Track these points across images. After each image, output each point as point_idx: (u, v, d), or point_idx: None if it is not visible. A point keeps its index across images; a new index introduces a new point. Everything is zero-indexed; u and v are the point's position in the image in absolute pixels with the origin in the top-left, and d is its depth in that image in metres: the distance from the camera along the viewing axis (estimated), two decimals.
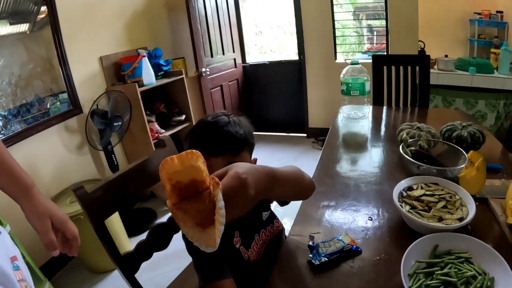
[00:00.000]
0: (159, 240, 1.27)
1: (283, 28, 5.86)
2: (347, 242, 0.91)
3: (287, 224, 2.33)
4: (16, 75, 2.57)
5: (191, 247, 0.98)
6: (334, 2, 3.81)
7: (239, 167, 0.61)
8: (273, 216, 1.08)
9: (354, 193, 1.21)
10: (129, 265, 1.18)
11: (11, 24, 2.58)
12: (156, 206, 3.21)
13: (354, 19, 4.24)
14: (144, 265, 1.22)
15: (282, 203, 1.10)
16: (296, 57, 4.29)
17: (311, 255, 0.90)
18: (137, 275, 1.19)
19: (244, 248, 0.98)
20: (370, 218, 1.05)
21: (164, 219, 1.26)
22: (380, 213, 1.06)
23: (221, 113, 1.02)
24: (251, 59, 4.79)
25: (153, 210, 3.17)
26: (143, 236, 1.25)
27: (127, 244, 2.71)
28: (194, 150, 0.55)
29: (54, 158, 2.75)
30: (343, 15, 4.11)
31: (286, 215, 2.78)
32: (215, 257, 0.92)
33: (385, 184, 1.23)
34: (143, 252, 1.23)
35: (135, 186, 1.24)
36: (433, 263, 0.78)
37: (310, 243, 0.95)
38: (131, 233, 2.84)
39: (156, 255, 1.26)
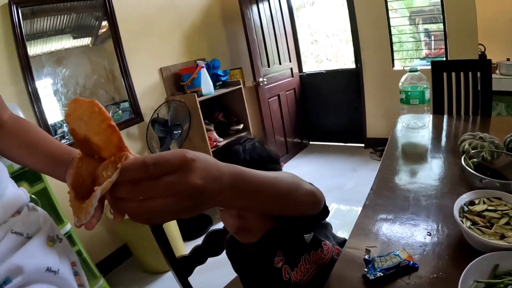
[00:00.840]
0: (214, 246, 1.32)
1: (339, 36, 5.80)
2: (403, 258, 0.89)
3: (339, 234, 2.29)
4: (81, 85, 2.79)
5: (235, 266, 1.02)
6: (389, 7, 3.71)
7: (193, 152, 0.46)
8: (318, 239, 1.05)
9: (413, 207, 1.18)
10: (184, 268, 1.23)
11: (74, 38, 2.79)
12: (212, 212, 3.26)
13: (410, 24, 4.07)
14: (197, 268, 1.28)
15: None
16: (352, 66, 4.24)
17: (366, 269, 0.89)
18: (189, 278, 1.24)
19: (289, 267, 0.96)
20: (429, 233, 1.01)
21: (220, 225, 1.29)
22: (440, 228, 1.03)
23: (236, 141, 0.99)
24: (307, 68, 4.78)
25: (209, 216, 3.25)
26: (198, 241, 1.30)
27: (182, 248, 2.81)
28: (95, 101, 0.44)
29: None
30: (399, 20, 3.98)
31: (342, 227, 2.75)
32: (254, 275, 0.95)
33: (446, 198, 1.19)
34: (198, 257, 1.28)
35: None
36: (492, 284, 0.74)
37: (366, 256, 0.94)
38: (186, 238, 2.94)
39: (210, 259, 1.31)
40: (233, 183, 0.51)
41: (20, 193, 0.73)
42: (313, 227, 1.03)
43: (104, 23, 2.93)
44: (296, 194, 0.71)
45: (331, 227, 1.15)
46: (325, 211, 0.90)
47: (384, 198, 1.28)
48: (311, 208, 0.79)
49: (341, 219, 2.94)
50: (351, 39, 4.13)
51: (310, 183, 0.83)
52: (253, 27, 3.70)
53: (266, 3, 3.96)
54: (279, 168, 1.03)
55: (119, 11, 2.95)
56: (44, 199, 2.21)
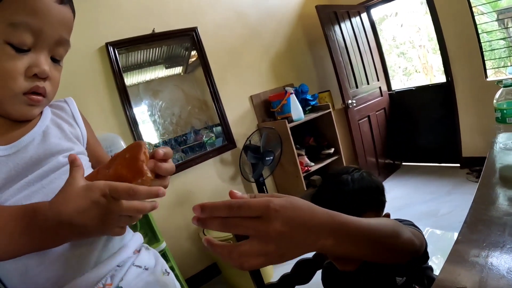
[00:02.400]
0: (302, 274, 1.31)
1: (426, 46, 5.57)
2: None
3: (433, 259, 2.14)
4: (176, 115, 2.97)
5: None
6: (475, 12, 3.40)
7: (283, 199, 0.53)
8: (410, 285, 1.01)
9: (509, 243, 1.08)
10: None
11: (166, 68, 3.01)
12: None
13: (500, 27, 3.66)
14: None
15: None
16: (442, 77, 3.99)
17: None
18: None
19: None
20: None
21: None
22: None
23: (344, 171, 1.00)
24: (396, 83, 4.61)
25: None
26: (286, 264, 1.31)
27: (270, 270, 2.83)
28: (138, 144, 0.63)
29: (210, 186, 3.10)
30: (487, 25, 3.63)
31: (436, 252, 2.58)
32: None
33: None
34: (285, 284, 1.29)
35: None
36: None
37: None
38: None
39: (297, 287, 1.32)
40: (335, 231, 0.55)
41: (139, 236, 0.90)
42: (408, 271, 1.00)
43: (193, 52, 3.11)
44: (396, 243, 0.71)
45: (432, 270, 1.11)
46: (425, 257, 0.88)
47: (478, 233, 1.18)
48: (408, 257, 0.77)
49: (435, 244, 2.77)
50: (438, 48, 3.89)
51: (413, 225, 0.84)
52: (338, 49, 3.67)
53: (347, 22, 3.91)
54: (384, 200, 1.03)
55: (206, 44, 3.12)
56: (142, 219, 2.41)
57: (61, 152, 0.76)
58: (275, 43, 3.67)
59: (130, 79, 2.80)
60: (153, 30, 2.85)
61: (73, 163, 0.61)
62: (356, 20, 4.02)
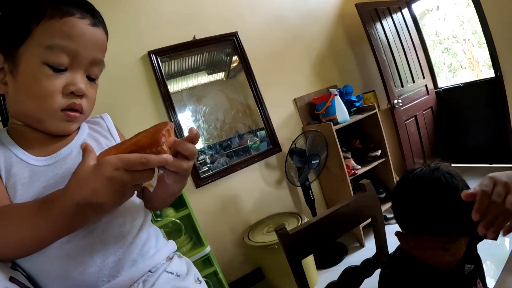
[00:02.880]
0: (349, 282, 1.29)
1: (471, 40, 5.35)
2: None
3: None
4: (220, 120, 3.00)
5: None
6: None
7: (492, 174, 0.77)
8: (475, 276, 0.95)
9: None
10: None
11: (209, 74, 3.04)
12: (347, 241, 3.21)
13: None
14: None
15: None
16: (489, 73, 3.80)
17: None
18: None
19: None
20: None
21: (355, 256, 1.22)
22: None
23: (427, 167, 0.96)
24: (442, 81, 4.43)
25: (344, 245, 3.16)
26: (331, 270, 1.29)
27: (315, 276, 2.80)
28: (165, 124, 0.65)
29: (255, 190, 3.10)
30: None
31: (485, 259, 2.47)
32: None
33: None
34: None
35: (334, 231, 1.29)
36: None
37: None
38: (319, 265, 2.92)
39: None
40: None
41: (172, 243, 0.93)
42: (475, 258, 0.99)
43: (235, 57, 3.13)
44: None
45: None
46: None
47: None
48: None
49: (486, 250, 2.61)
50: (483, 41, 3.71)
51: None
52: (381, 47, 3.58)
53: (389, 18, 3.81)
54: None
55: (248, 48, 3.13)
56: (187, 223, 2.44)
57: None
58: (317, 44, 3.63)
59: (174, 86, 2.85)
60: (194, 37, 2.90)
61: (85, 149, 0.64)
62: (397, 16, 3.91)
